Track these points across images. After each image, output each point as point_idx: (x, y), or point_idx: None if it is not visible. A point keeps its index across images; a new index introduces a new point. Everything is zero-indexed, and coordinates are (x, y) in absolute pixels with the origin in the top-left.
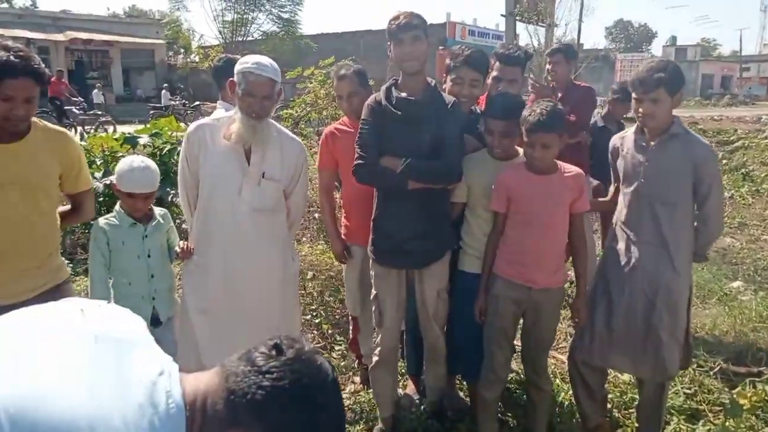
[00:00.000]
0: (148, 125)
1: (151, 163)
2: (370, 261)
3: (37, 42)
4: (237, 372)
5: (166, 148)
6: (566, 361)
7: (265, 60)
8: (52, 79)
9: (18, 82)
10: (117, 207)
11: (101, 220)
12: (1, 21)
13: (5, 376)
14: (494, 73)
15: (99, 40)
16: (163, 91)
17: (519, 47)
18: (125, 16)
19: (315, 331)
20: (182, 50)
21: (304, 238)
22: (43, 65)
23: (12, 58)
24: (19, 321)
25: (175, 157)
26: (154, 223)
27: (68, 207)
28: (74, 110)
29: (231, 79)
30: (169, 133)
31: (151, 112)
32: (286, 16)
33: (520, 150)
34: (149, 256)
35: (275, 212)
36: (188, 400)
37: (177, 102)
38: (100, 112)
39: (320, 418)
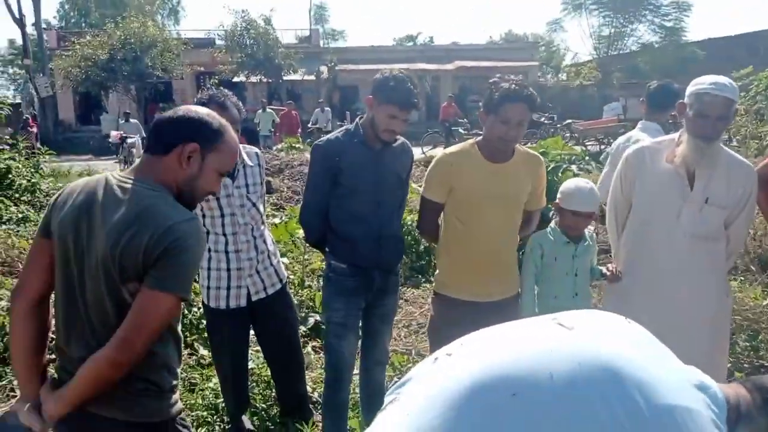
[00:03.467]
0: (533, 144)
1: (594, 185)
2: None
3: (432, 72)
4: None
5: (551, 166)
6: None
7: (723, 79)
8: (443, 105)
9: (515, 107)
10: (552, 224)
11: (539, 234)
12: (408, 56)
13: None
14: None
15: (480, 67)
16: None
17: None
18: (503, 42)
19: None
20: (551, 70)
21: None
22: (535, 93)
23: (513, 86)
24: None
25: (560, 175)
26: (585, 243)
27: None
28: (460, 131)
29: (681, 101)
30: (555, 152)
31: None
32: (669, 24)
33: None
34: (576, 275)
35: (716, 240)
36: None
37: (546, 120)
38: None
39: None
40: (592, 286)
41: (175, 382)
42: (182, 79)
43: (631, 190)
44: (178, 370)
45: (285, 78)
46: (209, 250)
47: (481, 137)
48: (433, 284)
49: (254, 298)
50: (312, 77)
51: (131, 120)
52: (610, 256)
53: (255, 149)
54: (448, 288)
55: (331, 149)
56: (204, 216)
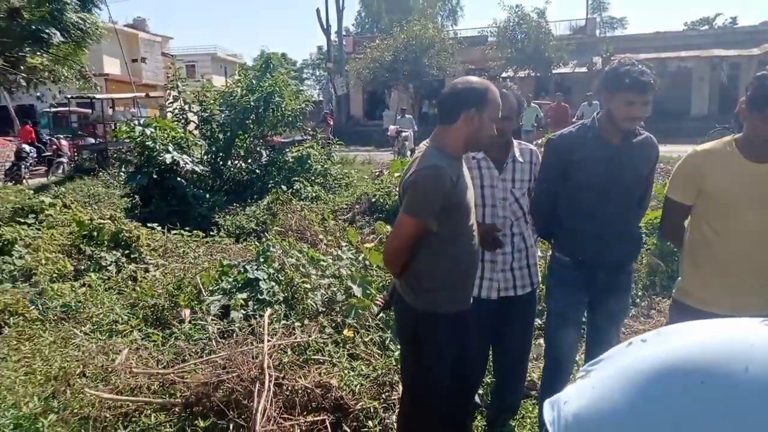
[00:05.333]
0: None
1: None
2: None
3: (729, 59)
4: None
5: None
6: None
7: None
8: (742, 97)
9: None
10: None
11: None
12: (699, 42)
13: None
14: None
15: None
16: None
17: None
18: None
19: None
20: None
21: None
22: None
23: None
24: None
25: None
26: None
27: None
28: None
29: None
30: None
31: None
32: None
33: None
34: None
35: None
36: None
37: None
38: None
39: None
40: None
41: (428, 288)
42: (454, 77)
43: None
44: (434, 281)
45: (554, 71)
46: None
47: (740, 134)
48: (674, 290)
49: (502, 294)
50: (584, 69)
51: (406, 115)
52: None
53: (531, 147)
54: (691, 297)
55: (564, 144)
56: None
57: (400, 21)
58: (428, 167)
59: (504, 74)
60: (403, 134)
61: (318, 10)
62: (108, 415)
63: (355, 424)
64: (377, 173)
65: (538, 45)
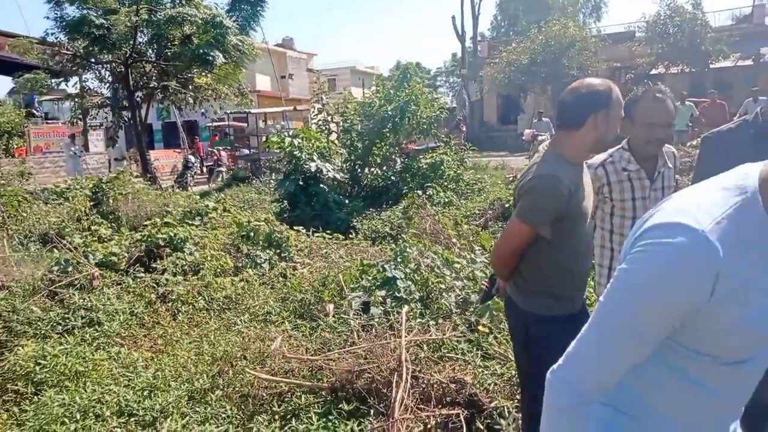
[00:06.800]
0: None
1: None
2: None
3: None
4: None
5: None
6: None
7: None
8: None
9: None
10: None
11: None
12: None
13: None
14: None
15: None
16: None
17: None
18: None
19: None
20: None
21: None
22: None
23: None
24: None
25: None
26: None
27: None
28: None
29: None
30: None
31: None
32: None
33: None
34: None
35: None
36: None
37: None
38: None
39: None
40: None
41: (536, 291)
42: (597, 76)
43: None
44: (541, 285)
45: (712, 66)
46: (611, 250)
47: None
48: None
49: None
50: (748, 62)
51: (543, 119)
52: None
53: (672, 149)
54: None
55: (722, 141)
56: (612, 214)
57: (538, 22)
58: (546, 176)
59: (654, 71)
60: (540, 138)
61: (453, 18)
62: (264, 394)
63: (488, 421)
64: (511, 178)
65: (693, 38)
